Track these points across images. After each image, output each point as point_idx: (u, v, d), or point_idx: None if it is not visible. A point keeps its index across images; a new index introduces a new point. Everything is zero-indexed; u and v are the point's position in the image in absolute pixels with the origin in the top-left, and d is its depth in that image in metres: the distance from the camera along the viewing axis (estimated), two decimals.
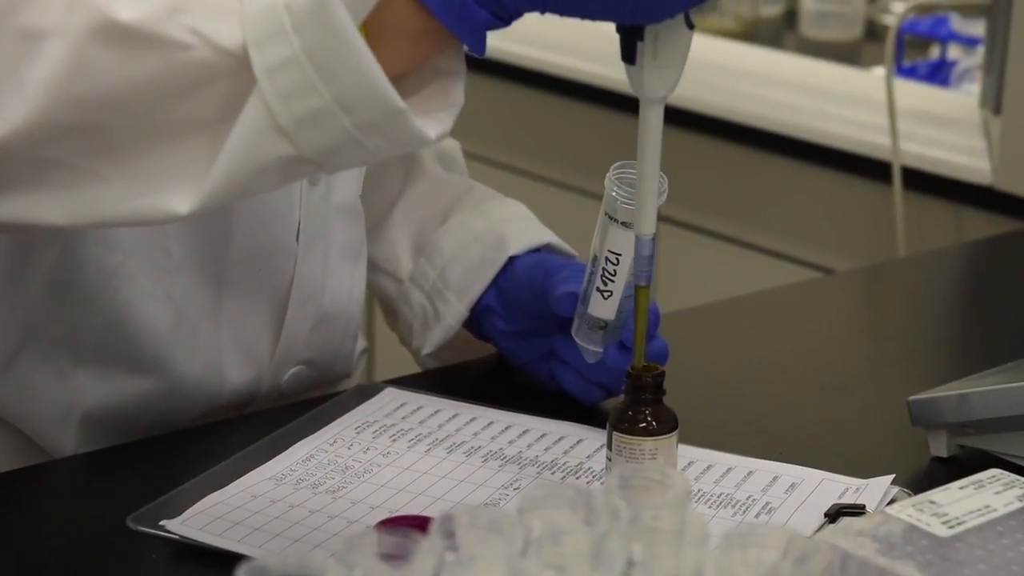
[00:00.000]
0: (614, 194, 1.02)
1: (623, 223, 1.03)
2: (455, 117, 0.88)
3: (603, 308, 1.08)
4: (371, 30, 0.85)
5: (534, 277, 1.16)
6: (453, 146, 1.37)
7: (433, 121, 0.86)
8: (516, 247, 1.21)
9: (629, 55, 0.94)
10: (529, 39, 2.34)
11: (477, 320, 1.22)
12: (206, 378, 1.16)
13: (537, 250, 1.22)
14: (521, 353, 1.19)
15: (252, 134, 0.85)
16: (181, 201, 0.87)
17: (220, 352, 1.16)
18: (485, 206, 1.26)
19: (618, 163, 1.02)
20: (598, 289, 1.07)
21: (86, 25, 0.85)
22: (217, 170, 0.86)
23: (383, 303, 1.31)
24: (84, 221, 0.91)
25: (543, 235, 1.23)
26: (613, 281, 1.06)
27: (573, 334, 1.11)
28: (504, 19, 0.87)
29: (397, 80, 0.86)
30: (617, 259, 1.05)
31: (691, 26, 0.93)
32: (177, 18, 0.84)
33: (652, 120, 0.95)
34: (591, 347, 1.10)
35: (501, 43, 2.34)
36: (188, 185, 0.87)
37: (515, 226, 1.23)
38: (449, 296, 1.22)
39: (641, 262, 0.98)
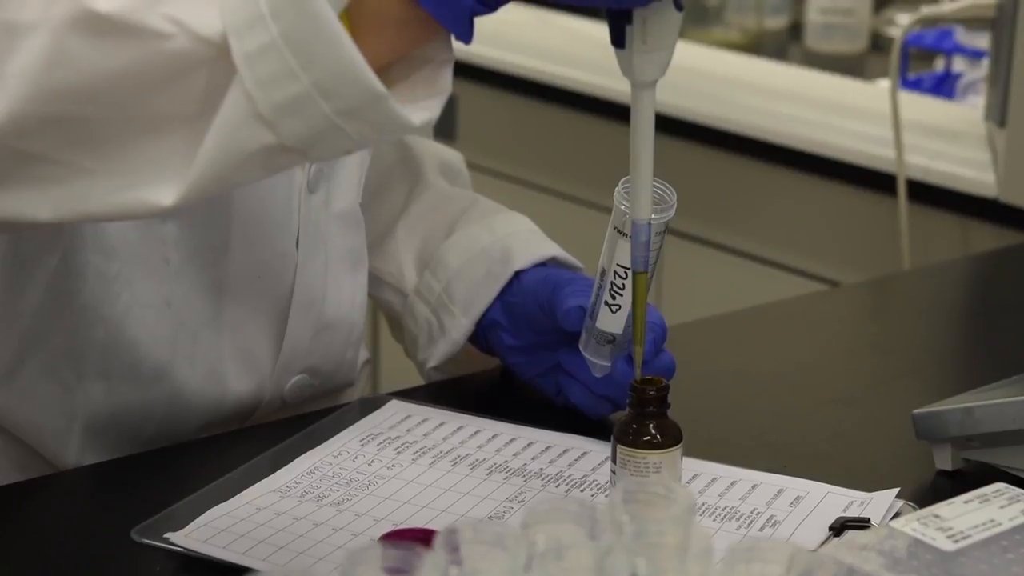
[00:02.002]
0: (623, 208, 1.03)
1: (630, 236, 1.03)
2: (442, 105, 0.87)
3: (611, 322, 1.08)
4: (354, 18, 0.85)
5: (541, 292, 1.16)
6: (456, 158, 1.37)
7: (419, 108, 0.86)
8: (522, 262, 1.21)
9: (618, 39, 0.94)
10: (534, 50, 2.34)
11: (483, 335, 1.22)
12: (207, 386, 1.16)
13: (543, 264, 1.21)
14: (528, 367, 1.19)
15: (233, 123, 0.84)
16: (165, 193, 0.87)
17: (221, 360, 1.16)
18: (490, 220, 1.26)
19: (627, 177, 1.02)
20: (606, 303, 1.07)
21: (65, 16, 0.85)
22: (199, 161, 0.86)
23: (389, 316, 1.31)
24: (70, 216, 0.91)
25: (549, 249, 1.23)
26: (622, 295, 1.06)
27: (581, 348, 1.11)
28: (489, 5, 0.87)
29: (384, 68, 0.85)
30: (626, 273, 1.05)
31: (680, 8, 0.93)
32: (157, 7, 0.85)
33: (644, 104, 0.95)
34: (599, 361, 1.10)
35: (505, 54, 2.34)
36: (171, 177, 0.87)
37: (521, 240, 1.23)
38: (455, 311, 1.22)
39: (638, 248, 0.98)
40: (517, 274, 1.20)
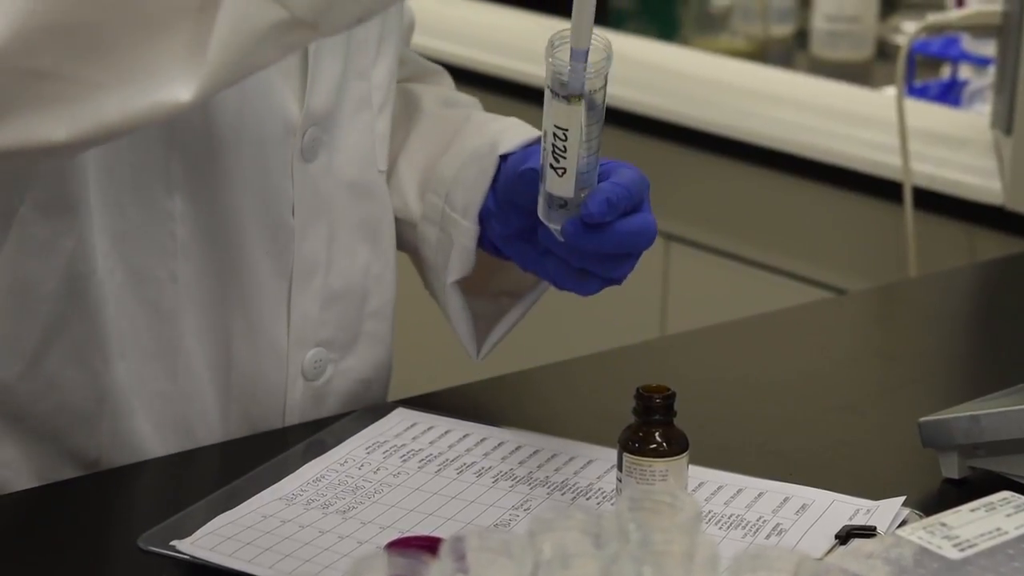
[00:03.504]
0: (551, 62, 1.01)
1: (565, 96, 1.01)
2: None
3: (560, 185, 1.04)
4: None
5: (517, 165, 1.13)
6: (468, 100, 1.34)
7: None
8: (507, 146, 1.17)
9: None
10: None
11: (484, 233, 1.18)
12: (220, 360, 1.16)
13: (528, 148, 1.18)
14: (522, 255, 1.15)
15: (242, 4, 0.85)
16: (182, 89, 0.88)
17: (230, 335, 1.15)
18: (485, 127, 1.23)
19: (556, 32, 1.01)
20: (551, 167, 1.04)
21: None
22: (213, 49, 0.86)
23: (411, 255, 1.28)
24: (87, 132, 0.91)
25: (535, 133, 1.18)
26: (565, 157, 1.03)
27: (540, 216, 1.07)
28: None
29: None
30: (564, 134, 1.02)
31: None
32: None
33: None
34: (556, 227, 1.07)
35: (512, 63, 2.34)
36: (185, 72, 0.87)
37: (508, 130, 1.20)
38: (456, 217, 1.19)
39: (577, 73, 0.99)
40: (504, 160, 1.17)
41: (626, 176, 1.07)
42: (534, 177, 1.07)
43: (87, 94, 0.89)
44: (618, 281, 1.11)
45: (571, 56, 1.00)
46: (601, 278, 1.10)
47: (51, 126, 0.90)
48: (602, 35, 1.00)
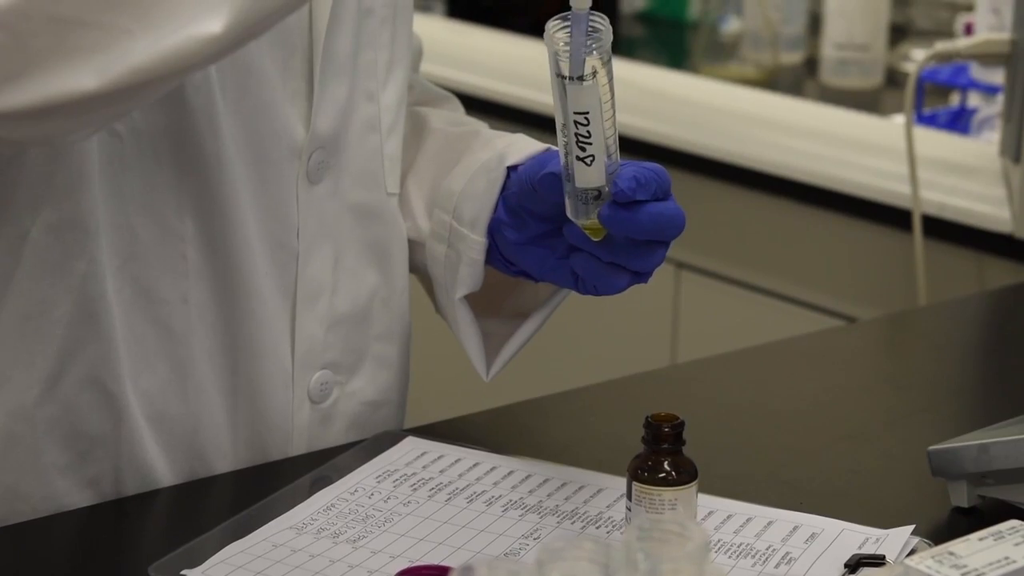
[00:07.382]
0: (557, 49, 0.99)
1: (577, 78, 1.00)
2: None
3: (590, 175, 1.03)
4: None
5: (532, 172, 1.12)
6: (477, 123, 1.33)
7: None
8: (515, 158, 1.16)
9: None
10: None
11: (494, 244, 1.17)
12: (229, 382, 1.16)
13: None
14: (539, 261, 1.14)
15: None
16: (213, 22, 0.89)
17: (238, 356, 1.16)
18: (493, 142, 1.22)
19: (556, 16, 0.99)
20: (578, 158, 1.02)
21: None
22: None
23: (422, 277, 1.27)
24: (118, 78, 0.91)
25: (542, 145, 1.17)
26: (590, 144, 1.01)
27: (570, 216, 1.05)
28: None
29: None
30: (586, 118, 1.00)
31: None
32: None
33: None
34: (592, 220, 1.05)
35: (523, 91, 2.35)
36: (215, 6, 0.88)
37: (515, 146, 1.18)
38: (464, 231, 1.18)
39: (579, 38, 0.98)
40: (512, 171, 1.16)
41: (649, 165, 1.07)
42: (554, 182, 1.07)
43: (114, 41, 0.90)
44: (645, 276, 1.10)
45: (572, 34, 0.99)
46: (630, 272, 1.09)
47: (80, 75, 0.90)
48: (602, 15, 1.00)
